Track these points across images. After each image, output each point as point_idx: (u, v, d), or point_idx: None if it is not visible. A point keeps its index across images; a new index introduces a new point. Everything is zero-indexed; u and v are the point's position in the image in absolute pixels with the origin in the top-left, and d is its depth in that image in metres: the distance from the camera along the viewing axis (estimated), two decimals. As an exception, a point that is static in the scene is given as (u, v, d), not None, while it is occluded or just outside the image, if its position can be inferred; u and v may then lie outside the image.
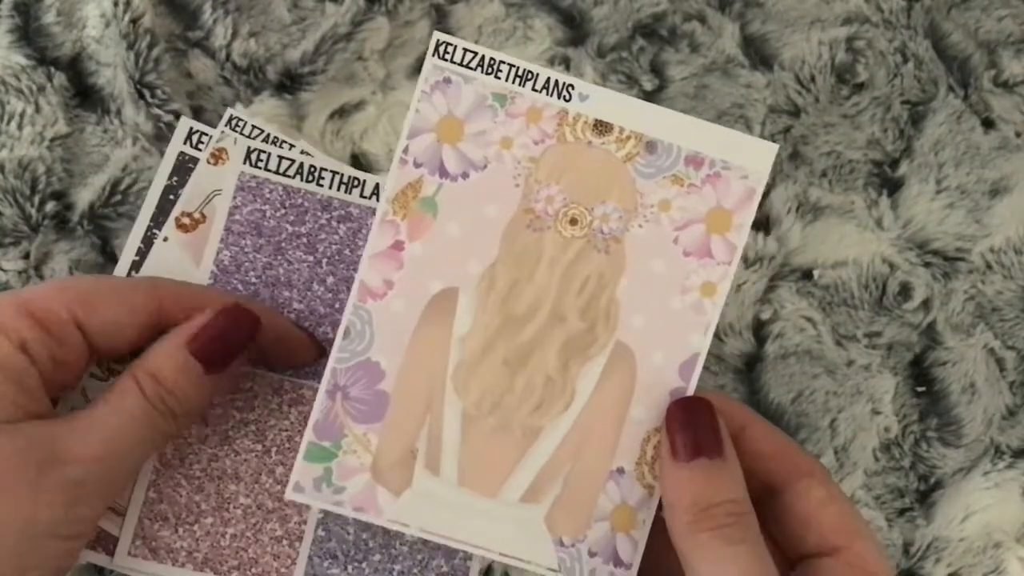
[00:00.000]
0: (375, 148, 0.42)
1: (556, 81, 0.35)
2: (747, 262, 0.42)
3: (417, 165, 0.35)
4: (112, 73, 0.41)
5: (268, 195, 0.40)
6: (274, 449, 0.39)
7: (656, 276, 0.35)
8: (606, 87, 0.43)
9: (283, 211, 0.40)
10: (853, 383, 0.42)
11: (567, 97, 0.35)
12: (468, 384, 0.35)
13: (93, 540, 0.38)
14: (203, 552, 0.38)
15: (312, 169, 0.40)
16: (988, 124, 0.44)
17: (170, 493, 0.38)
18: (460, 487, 0.35)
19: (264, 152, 0.40)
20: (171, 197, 0.40)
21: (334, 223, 0.40)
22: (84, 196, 0.40)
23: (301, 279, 0.39)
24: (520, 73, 0.35)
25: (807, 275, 0.43)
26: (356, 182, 0.40)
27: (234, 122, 0.40)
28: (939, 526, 0.42)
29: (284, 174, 0.40)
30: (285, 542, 0.39)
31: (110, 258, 0.40)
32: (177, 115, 0.40)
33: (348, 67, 0.42)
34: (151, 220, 0.40)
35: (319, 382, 0.35)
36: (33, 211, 0.40)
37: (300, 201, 0.40)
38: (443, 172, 0.35)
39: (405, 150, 0.35)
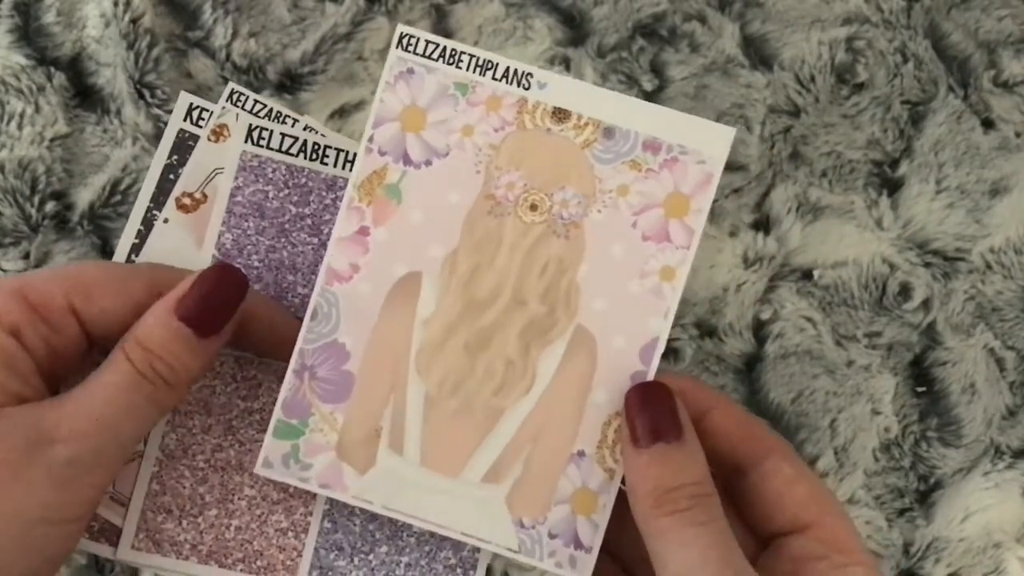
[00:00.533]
0: (375, 148, 0.42)
1: (515, 70, 0.36)
2: (747, 262, 0.42)
3: (382, 153, 0.36)
4: (112, 73, 0.41)
5: (271, 175, 0.39)
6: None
7: (615, 260, 0.36)
8: (606, 87, 0.43)
9: (286, 191, 0.39)
10: (853, 383, 0.42)
11: (526, 85, 0.36)
12: (430, 366, 0.36)
13: (96, 531, 0.38)
14: (207, 544, 0.38)
15: (316, 147, 0.39)
16: (988, 124, 0.44)
17: (173, 485, 0.38)
18: (422, 467, 0.36)
19: (266, 130, 0.39)
20: (171, 177, 0.39)
21: (339, 203, 0.39)
22: (84, 196, 0.40)
23: (306, 262, 0.39)
24: (480, 63, 0.36)
25: (807, 275, 0.43)
26: None
27: (235, 96, 0.40)
28: (939, 526, 0.42)
29: (287, 152, 0.39)
30: (291, 534, 0.38)
31: (110, 258, 0.40)
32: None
33: (348, 67, 0.42)
34: (151, 201, 0.39)
35: None
36: (33, 211, 0.40)
37: (304, 181, 0.39)
38: (407, 160, 0.36)
39: (370, 139, 0.36)
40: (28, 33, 0.41)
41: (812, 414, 0.42)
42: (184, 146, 0.39)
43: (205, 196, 0.39)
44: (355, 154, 0.40)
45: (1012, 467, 0.42)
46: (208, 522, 0.38)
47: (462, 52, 0.36)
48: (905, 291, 0.43)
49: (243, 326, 0.36)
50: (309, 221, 0.39)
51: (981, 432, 0.43)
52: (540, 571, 0.39)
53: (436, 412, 0.36)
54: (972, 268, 0.43)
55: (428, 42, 0.36)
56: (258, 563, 0.38)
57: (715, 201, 0.43)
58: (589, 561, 0.36)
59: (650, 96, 0.43)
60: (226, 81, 0.41)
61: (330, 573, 0.38)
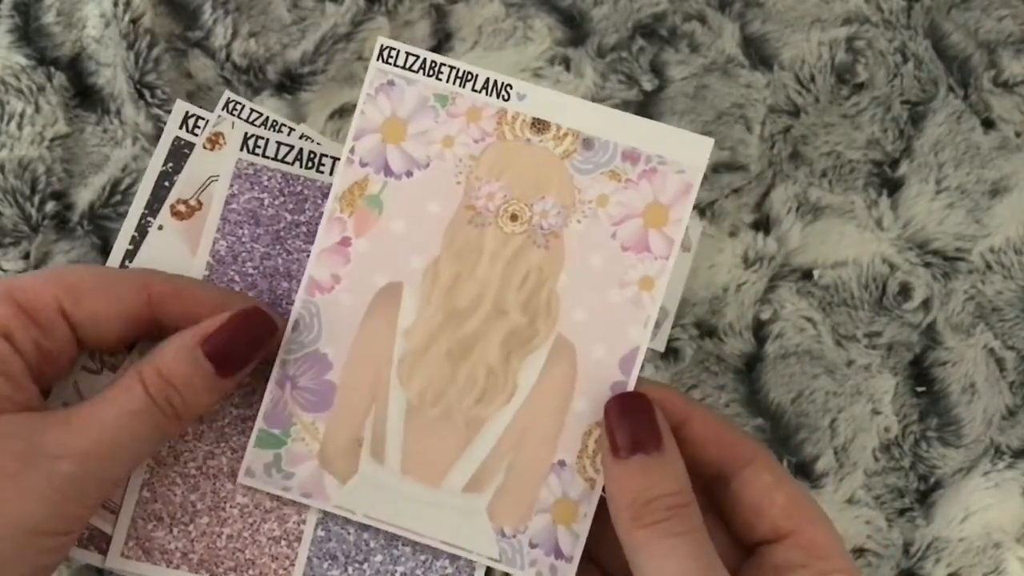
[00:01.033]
0: (375, 148, 0.42)
1: (495, 81, 0.36)
2: (747, 262, 0.42)
3: (363, 164, 0.36)
4: (112, 73, 0.41)
5: (266, 183, 0.39)
6: (274, 449, 0.38)
7: (595, 270, 0.36)
8: (606, 87, 0.43)
9: (282, 199, 0.39)
10: (853, 383, 0.42)
11: (506, 96, 0.36)
12: (412, 375, 0.36)
13: (86, 539, 0.37)
14: (198, 553, 0.37)
15: (312, 155, 0.39)
16: (988, 124, 0.44)
17: (164, 492, 0.37)
18: (404, 475, 0.36)
19: (262, 138, 0.39)
20: (166, 184, 0.39)
21: None
22: (84, 196, 0.40)
23: (301, 270, 0.39)
24: (460, 74, 0.36)
25: (807, 275, 0.43)
26: None
27: (231, 105, 0.40)
28: (939, 526, 0.42)
29: (283, 160, 0.39)
30: (283, 543, 0.38)
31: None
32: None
33: (348, 67, 0.42)
34: (145, 207, 0.39)
35: None
36: (33, 211, 0.40)
37: (300, 188, 0.39)
38: (388, 171, 0.36)
39: (352, 150, 0.36)
40: (28, 33, 0.41)
41: (812, 414, 0.42)
42: (180, 154, 0.39)
43: (200, 203, 0.39)
44: None
45: (1012, 467, 0.42)
46: (199, 530, 0.37)
47: (442, 64, 0.36)
48: (905, 291, 0.43)
49: (163, 306, 0.35)
50: (304, 229, 0.39)
51: (981, 432, 0.43)
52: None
53: (417, 421, 0.36)
54: (972, 268, 0.43)
55: (408, 54, 0.36)
56: (250, 572, 0.37)
57: (715, 201, 0.43)
58: (570, 571, 0.36)
59: (650, 96, 0.43)
60: (226, 81, 0.41)
61: None
